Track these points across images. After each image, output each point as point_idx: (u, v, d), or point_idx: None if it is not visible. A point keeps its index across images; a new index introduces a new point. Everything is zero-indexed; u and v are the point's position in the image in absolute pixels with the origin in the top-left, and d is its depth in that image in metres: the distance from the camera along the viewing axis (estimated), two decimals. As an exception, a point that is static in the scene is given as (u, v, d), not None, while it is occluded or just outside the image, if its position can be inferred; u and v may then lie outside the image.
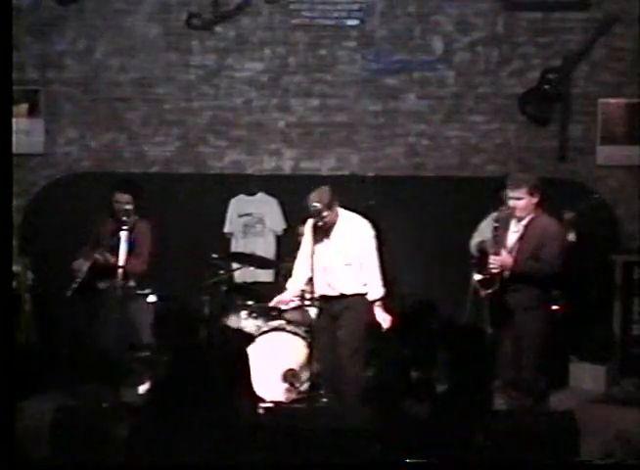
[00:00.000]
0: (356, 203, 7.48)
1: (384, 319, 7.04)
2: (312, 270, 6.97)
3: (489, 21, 9.12)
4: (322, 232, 7.00)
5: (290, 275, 7.43)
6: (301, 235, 7.86)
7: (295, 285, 7.30)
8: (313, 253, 6.98)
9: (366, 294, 7.02)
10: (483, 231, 7.33)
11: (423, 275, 8.95)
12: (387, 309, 7.07)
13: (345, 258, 6.98)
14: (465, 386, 4.64)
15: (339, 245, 6.98)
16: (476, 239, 7.66)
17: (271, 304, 7.49)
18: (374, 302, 7.03)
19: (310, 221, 7.10)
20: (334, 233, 7.00)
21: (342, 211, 7.05)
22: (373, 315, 7.07)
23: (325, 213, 6.88)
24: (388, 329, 7.07)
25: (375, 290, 7.02)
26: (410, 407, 4.59)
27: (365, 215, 7.22)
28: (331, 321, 7.04)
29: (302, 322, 7.72)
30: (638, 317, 8.52)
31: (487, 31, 9.12)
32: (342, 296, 7.00)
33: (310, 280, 7.08)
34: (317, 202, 6.84)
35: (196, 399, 4.69)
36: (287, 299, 7.40)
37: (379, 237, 7.15)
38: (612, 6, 8.99)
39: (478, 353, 4.82)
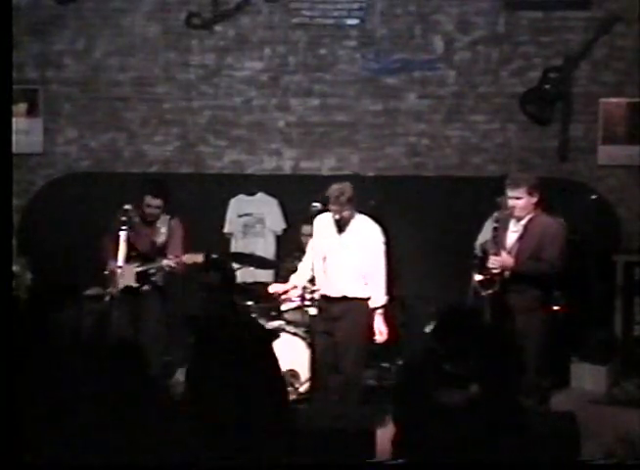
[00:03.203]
0: (357, 203, 7.44)
1: (380, 332, 6.98)
2: (316, 268, 6.96)
3: (490, 20, 9.09)
4: (334, 231, 6.98)
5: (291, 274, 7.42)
6: (304, 235, 7.86)
7: (297, 279, 7.28)
8: (321, 251, 6.96)
9: (368, 299, 6.98)
10: (488, 231, 7.30)
11: (423, 275, 8.93)
12: (387, 319, 7.02)
13: (352, 261, 6.94)
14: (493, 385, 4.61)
15: (348, 247, 6.95)
16: (480, 239, 7.64)
17: (269, 289, 7.48)
18: (375, 309, 6.99)
19: (323, 218, 7.08)
20: (345, 234, 6.98)
21: (357, 216, 7.02)
22: (372, 321, 7.02)
23: (345, 207, 6.85)
24: (384, 342, 7.03)
25: (378, 297, 6.97)
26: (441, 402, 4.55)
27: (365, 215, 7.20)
28: (330, 323, 7.00)
29: (302, 322, 7.70)
30: (639, 318, 8.51)
31: (488, 31, 9.10)
32: (344, 298, 6.96)
33: (314, 279, 7.07)
34: (340, 194, 6.84)
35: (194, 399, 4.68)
36: (285, 289, 7.39)
37: (388, 243, 7.12)
38: (613, 5, 8.96)
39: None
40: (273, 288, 7.51)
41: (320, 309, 7.10)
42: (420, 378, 4.58)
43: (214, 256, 8.01)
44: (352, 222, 6.98)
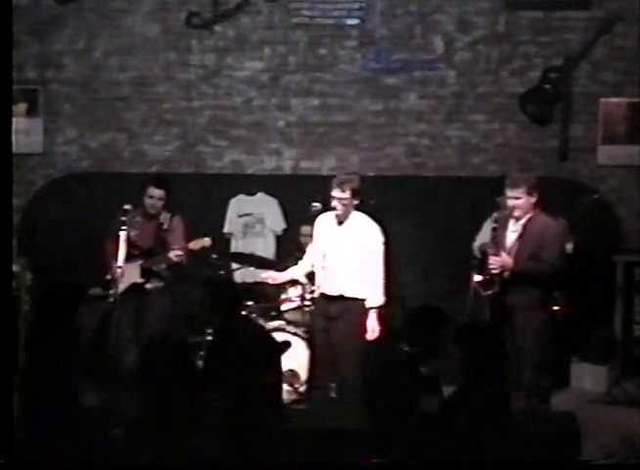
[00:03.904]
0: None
1: (372, 329, 6.95)
2: (317, 266, 6.95)
3: (490, 20, 9.09)
4: (334, 225, 6.96)
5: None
6: (304, 235, 7.86)
7: (295, 273, 7.28)
8: (321, 248, 6.95)
9: (365, 299, 6.97)
10: (486, 232, 7.31)
11: (423, 275, 8.92)
12: (380, 319, 6.99)
13: (351, 258, 6.93)
14: (478, 385, 4.61)
15: (347, 241, 6.94)
16: (478, 240, 7.65)
17: (262, 275, 7.48)
18: (371, 308, 6.96)
19: (324, 217, 7.08)
20: (344, 227, 6.97)
21: (356, 213, 7.02)
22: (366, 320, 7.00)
23: (347, 195, 6.83)
24: (374, 340, 7.01)
25: (375, 297, 6.95)
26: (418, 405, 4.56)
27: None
28: (328, 322, 6.98)
29: (302, 322, 7.69)
30: (639, 318, 8.51)
31: (488, 30, 9.10)
32: (342, 297, 6.94)
33: (311, 277, 7.07)
34: (346, 181, 6.85)
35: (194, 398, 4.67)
36: (279, 277, 7.38)
37: (387, 244, 7.11)
38: (613, 5, 8.96)
39: (492, 352, 4.79)
40: (268, 274, 7.48)
41: (318, 308, 7.08)
42: (397, 381, 4.58)
43: (214, 255, 8.02)
44: (353, 217, 6.97)
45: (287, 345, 7.07)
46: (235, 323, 5.94)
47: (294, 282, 7.74)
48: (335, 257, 6.93)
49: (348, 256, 6.92)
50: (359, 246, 6.93)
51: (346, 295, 6.93)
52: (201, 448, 4.51)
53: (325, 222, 7.07)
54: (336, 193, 6.86)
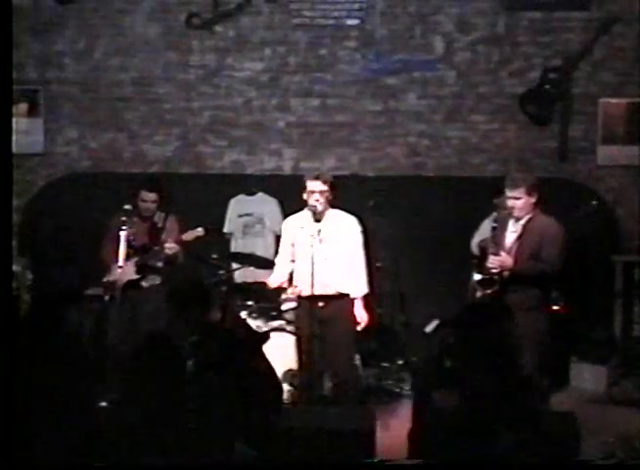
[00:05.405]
0: (356, 203, 7.45)
1: (361, 318, 6.91)
2: (296, 268, 6.90)
3: (490, 20, 9.10)
4: (312, 228, 6.89)
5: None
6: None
7: (274, 282, 7.22)
8: (300, 250, 6.90)
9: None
10: (485, 230, 7.31)
11: (422, 275, 8.93)
12: (367, 308, 6.97)
13: (338, 258, 6.88)
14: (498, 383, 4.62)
15: (331, 243, 6.86)
16: (477, 238, 7.64)
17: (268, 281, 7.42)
18: (356, 298, 6.92)
19: (292, 219, 7.04)
20: (325, 230, 6.87)
21: (330, 210, 6.98)
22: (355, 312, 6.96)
23: (326, 188, 6.79)
24: (365, 328, 6.99)
25: (359, 287, 6.91)
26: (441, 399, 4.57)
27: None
28: (321, 323, 6.89)
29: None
30: (639, 318, 8.52)
31: (488, 31, 9.11)
32: (333, 297, 6.90)
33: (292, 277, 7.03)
34: (319, 177, 6.83)
35: (194, 399, 4.68)
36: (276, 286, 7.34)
37: (366, 233, 7.08)
38: (612, 6, 8.98)
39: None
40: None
41: (310, 309, 6.95)
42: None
43: (214, 255, 8.02)
44: (330, 213, 6.91)
45: (265, 337, 6.95)
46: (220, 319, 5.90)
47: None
48: (321, 256, 6.78)
49: (335, 253, 6.85)
50: (342, 241, 6.86)
51: (334, 293, 6.86)
52: (198, 448, 4.52)
53: (298, 223, 6.98)
54: (316, 186, 6.82)
